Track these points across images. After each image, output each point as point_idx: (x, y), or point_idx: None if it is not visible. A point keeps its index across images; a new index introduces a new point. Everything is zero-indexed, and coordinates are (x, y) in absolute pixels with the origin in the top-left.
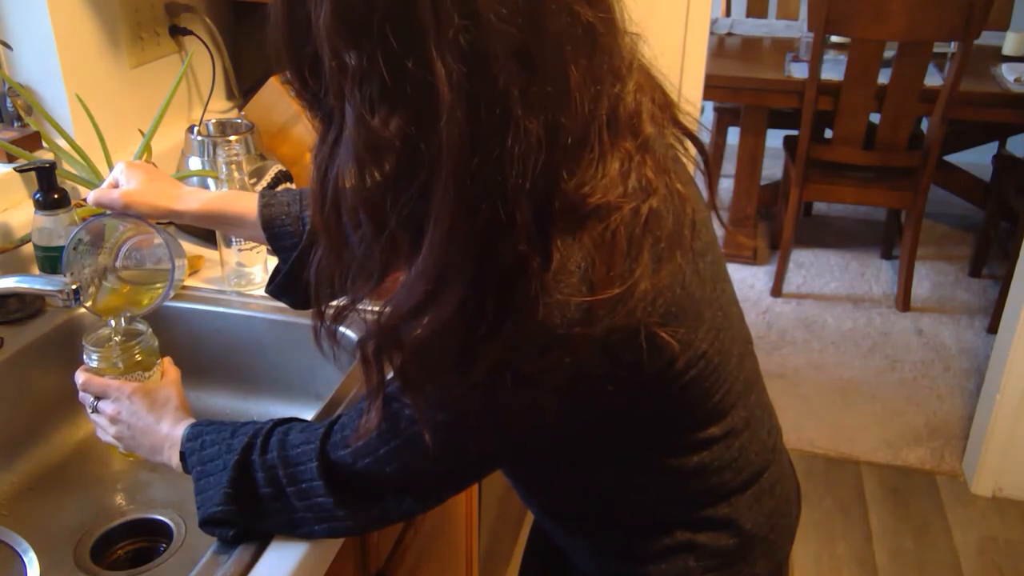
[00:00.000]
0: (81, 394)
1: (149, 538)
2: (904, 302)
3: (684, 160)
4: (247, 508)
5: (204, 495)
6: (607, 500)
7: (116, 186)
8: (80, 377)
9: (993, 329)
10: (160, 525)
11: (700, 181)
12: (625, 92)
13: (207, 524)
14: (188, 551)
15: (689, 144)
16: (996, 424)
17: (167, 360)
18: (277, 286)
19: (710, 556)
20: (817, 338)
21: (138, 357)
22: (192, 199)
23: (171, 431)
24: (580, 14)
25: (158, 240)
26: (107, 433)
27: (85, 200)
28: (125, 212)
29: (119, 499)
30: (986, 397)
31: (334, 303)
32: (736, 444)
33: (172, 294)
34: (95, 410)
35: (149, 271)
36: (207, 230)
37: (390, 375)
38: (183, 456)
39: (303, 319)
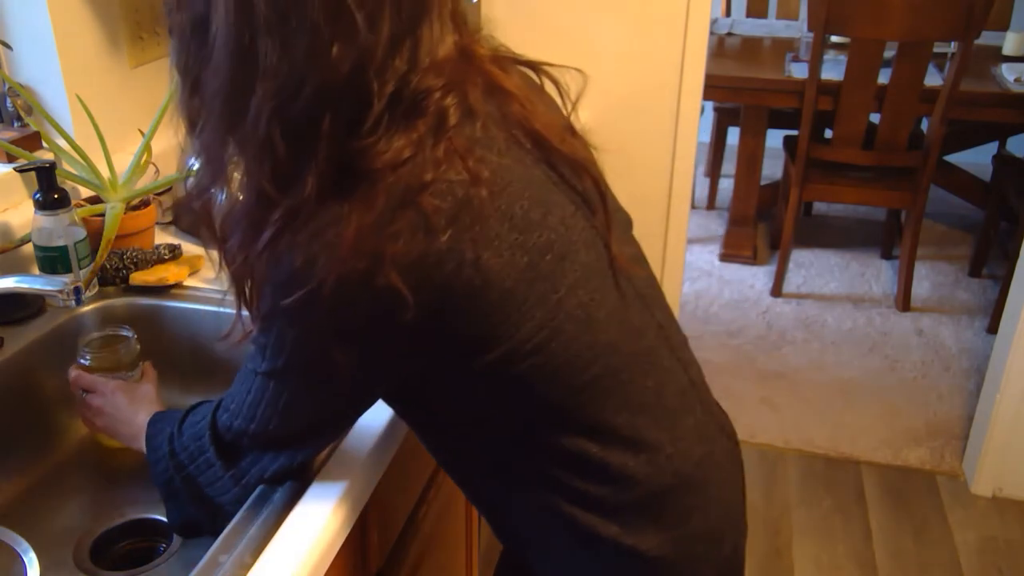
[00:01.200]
0: (79, 392)
1: (149, 538)
2: (904, 302)
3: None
4: (179, 500)
5: (167, 501)
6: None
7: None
8: (72, 372)
9: (993, 329)
10: (160, 525)
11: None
12: (426, 84)
13: (179, 533)
14: (188, 551)
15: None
16: (996, 424)
17: (147, 364)
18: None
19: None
20: (817, 338)
21: (124, 359)
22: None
23: (144, 422)
24: None
25: None
26: (92, 423)
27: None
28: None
29: (119, 499)
30: (986, 397)
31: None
32: (619, 460)
33: None
34: (84, 402)
35: None
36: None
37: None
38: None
39: None
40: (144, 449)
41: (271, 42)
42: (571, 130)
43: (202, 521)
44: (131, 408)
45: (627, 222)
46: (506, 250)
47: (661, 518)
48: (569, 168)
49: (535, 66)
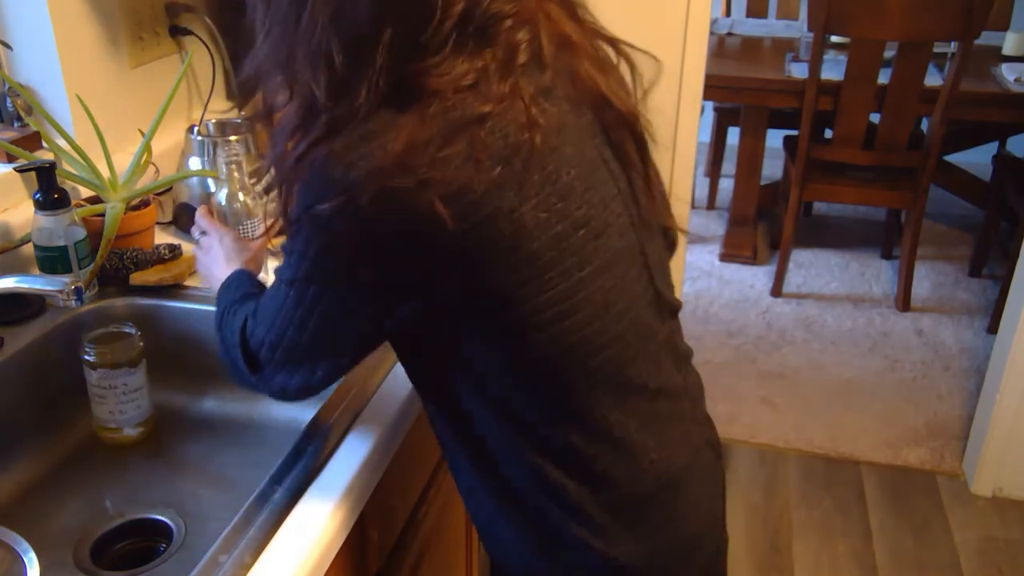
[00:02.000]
0: (194, 229)
1: (149, 538)
2: (904, 302)
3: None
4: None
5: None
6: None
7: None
8: (202, 209)
9: (993, 329)
10: (160, 525)
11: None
12: (501, 11)
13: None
14: (188, 551)
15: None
16: (996, 424)
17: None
18: None
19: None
20: (817, 338)
21: (126, 356)
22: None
23: (229, 272)
24: None
25: None
26: (199, 253)
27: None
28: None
29: (119, 499)
30: (986, 397)
31: None
32: (604, 458)
33: None
34: (198, 242)
35: None
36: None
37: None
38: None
39: None
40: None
41: None
42: (636, 116)
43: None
44: (229, 256)
45: (666, 236)
46: (543, 211)
47: (636, 525)
48: (626, 150)
49: (615, 42)
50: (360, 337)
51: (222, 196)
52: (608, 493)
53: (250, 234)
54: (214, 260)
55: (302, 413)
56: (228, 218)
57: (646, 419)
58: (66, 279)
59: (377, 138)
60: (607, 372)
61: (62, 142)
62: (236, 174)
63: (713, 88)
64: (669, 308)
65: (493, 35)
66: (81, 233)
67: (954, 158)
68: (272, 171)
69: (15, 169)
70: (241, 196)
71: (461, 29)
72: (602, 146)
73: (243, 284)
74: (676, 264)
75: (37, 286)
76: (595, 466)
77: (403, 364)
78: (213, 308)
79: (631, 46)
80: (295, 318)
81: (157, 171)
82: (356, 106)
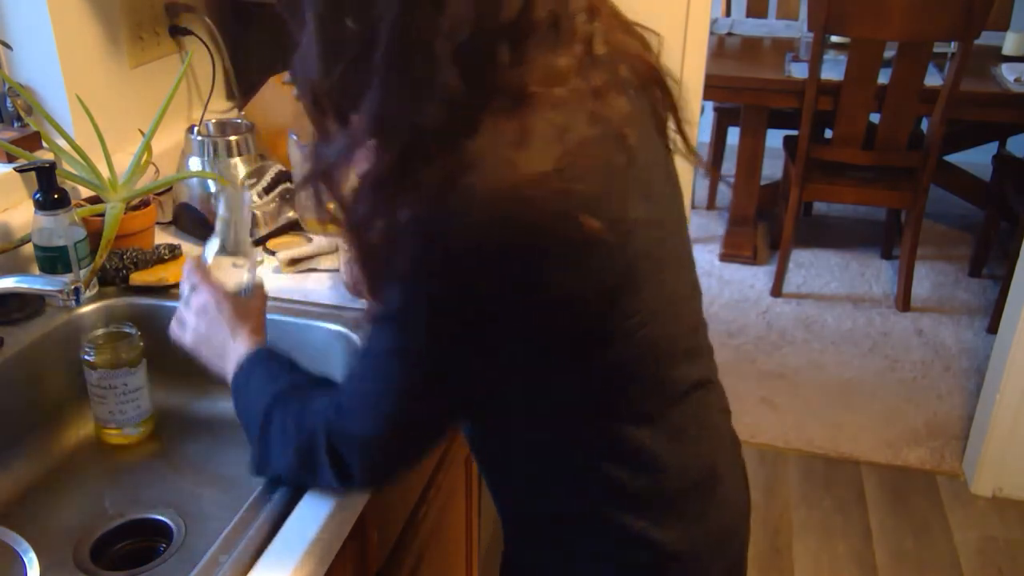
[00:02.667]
0: (182, 283)
1: (149, 538)
2: (904, 302)
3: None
4: (267, 460)
5: (248, 434)
6: (536, 460)
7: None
8: (191, 263)
9: (993, 329)
10: (160, 525)
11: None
12: (574, 2)
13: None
14: (188, 551)
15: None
16: (996, 424)
17: (259, 286)
18: None
19: (628, 570)
20: (817, 338)
21: (126, 356)
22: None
23: (240, 350)
24: None
25: None
26: (184, 324)
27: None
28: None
29: (119, 499)
30: (986, 397)
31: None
32: (673, 460)
33: None
34: (186, 302)
35: None
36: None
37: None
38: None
39: (303, 319)
40: (228, 377)
41: None
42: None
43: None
44: (231, 323)
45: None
46: (639, 213)
47: (685, 514)
48: (667, 128)
49: (627, 25)
50: (454, 409)
51: (209, 251)
52: (665, 483)
53: (244, 292)
54: (212, 328)
55: None
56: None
57: (698, 410)
58: (66, 279)
59: (494, 167)
60: (669, 371)
61: (62, 142)
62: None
63: (713, 88)
64: (700, 301)
65: (572, 30)
66: (81, 233)
67: (954, 158)
68: (352, 238)
69: (15, 169)
70: (241, 258)
71: (543, 28)
72: (655, 132)
73: (273, 370)
74: None
75: (37, 286)
76: (659, 460)
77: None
78: None
79: (640, 26)
80: (405, 394)
81: (157, 171)
82: (465, 148)
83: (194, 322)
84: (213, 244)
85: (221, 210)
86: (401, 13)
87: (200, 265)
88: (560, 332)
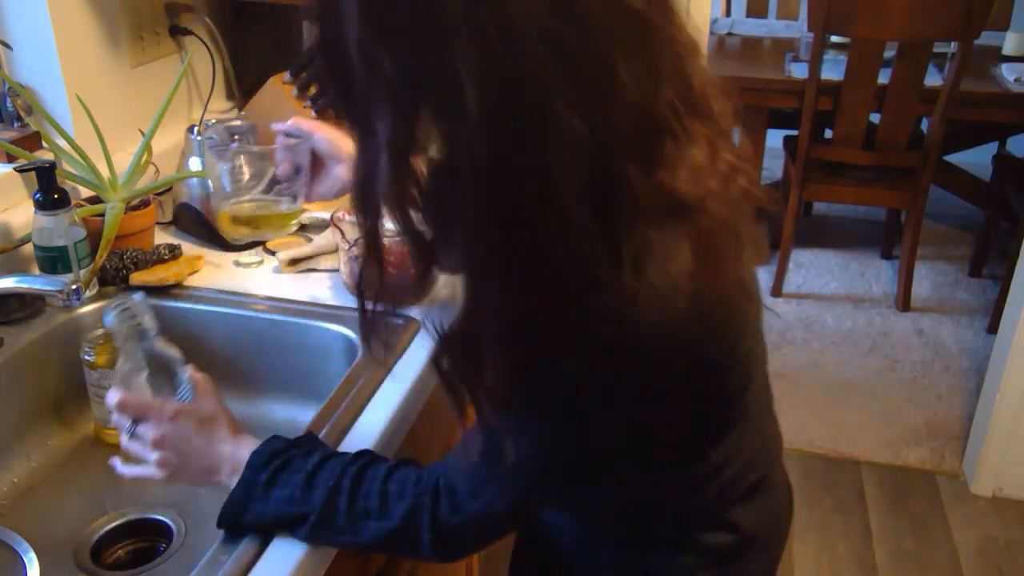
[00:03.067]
0: (115, 417)
1: (149, 538)
2: (904, 302)
3: None
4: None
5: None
6: (629, 503)
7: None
8: (114, 397)
9: (993, 329)
10: (160, 525)
11: None
12: (692, 73)
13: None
14: (188, 551)
15: None
16: (996, 424)
17: (198, 375)
18: None
19: (706, 554)
20: (817, 338)
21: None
22: None
23: (233, 452)
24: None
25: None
26: (147, 459)
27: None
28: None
29: (119, 499)
30: (986, 397)
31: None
32: (749, 450)
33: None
34: (132, 435)
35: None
36: (208, 229)
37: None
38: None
39: (303, 319)
40: (228, 484)
41: (565, 100)
42: None
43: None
44: (201, 436)
45: None
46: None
47: (754, 500)
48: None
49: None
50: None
51: (133, 367)
52: (749, 478)
53: (186, 395)
54: (186, 450)
55: (302, 413)
56: (149, 389)
57: (767, 408)
58: (66, 279)
59: (647, 302)
60: (765, 429)
61: (62, 142)
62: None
63: None
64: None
65: (695, 106)
66: (81, 233)
67: (954, 158)
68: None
69: (15, 169)
70: (161, 362)
71: (671, 119)
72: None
73: (292, 471)
74: None
75: (37, 286)
76: (743, 524)
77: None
78: (213, 308)
79: None
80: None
81: (157, 171)
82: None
83: (159, 456)
84: (121, 368)
85: (112, 324)
86: (493, 134)
87: (126, 400)
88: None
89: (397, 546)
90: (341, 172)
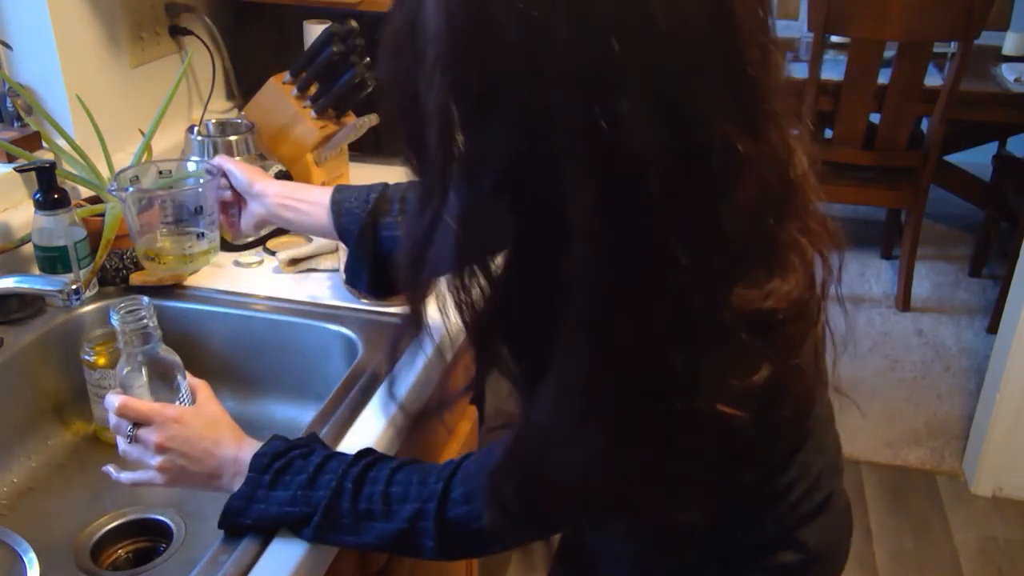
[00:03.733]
0: (114, 421)
1: (149, 538)
2: (904, 302)
3: None
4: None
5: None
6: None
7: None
8: (115, 401)
9: (993, 329)
10: (160, 525)
11: None
12: (790, 174)
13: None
14: (188, 551)
15: None
16: (996, 424)
17: (197, 381)
18: (349, 271)
19: (774, 573)
20: None
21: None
22: (272, 184)
23: (237, 455)
24: (729, 135)
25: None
26: (148, 464)
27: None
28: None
29: (119, 499)
30: (986, 397)
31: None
32: (814, 470)
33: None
34: (133, 439)
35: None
36: None
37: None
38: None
39: (303, 319)
40: (230, 488)
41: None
42: None
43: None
44: (206, 439)
45: None
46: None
47: (819, 518)
48: None
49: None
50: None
51: (136, 371)
52: (816, 497)
53: (185, 400)
54: (188, 453)
55: (302, 413)
56: (148, 394)
57: (829, 424)
58: (66, 279)
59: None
60: (828, 455)
61: (62, 142)
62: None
63: None
64: None
65: (793, 210)
66: (81, 233)
67: (954, 158)
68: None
69: (15, 169)
70: (163, 366)
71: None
72: None
73: (295, 472)
74: None
75: (37, 286)
76: (810, 478)
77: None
78: (213, 308)
79: None
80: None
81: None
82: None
83: (162, 460)
84: (121, 371)
85: (117, 324)
86: (596, 270)
87: (127, 403)
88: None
89: (401, 547)
90: (256, 208)
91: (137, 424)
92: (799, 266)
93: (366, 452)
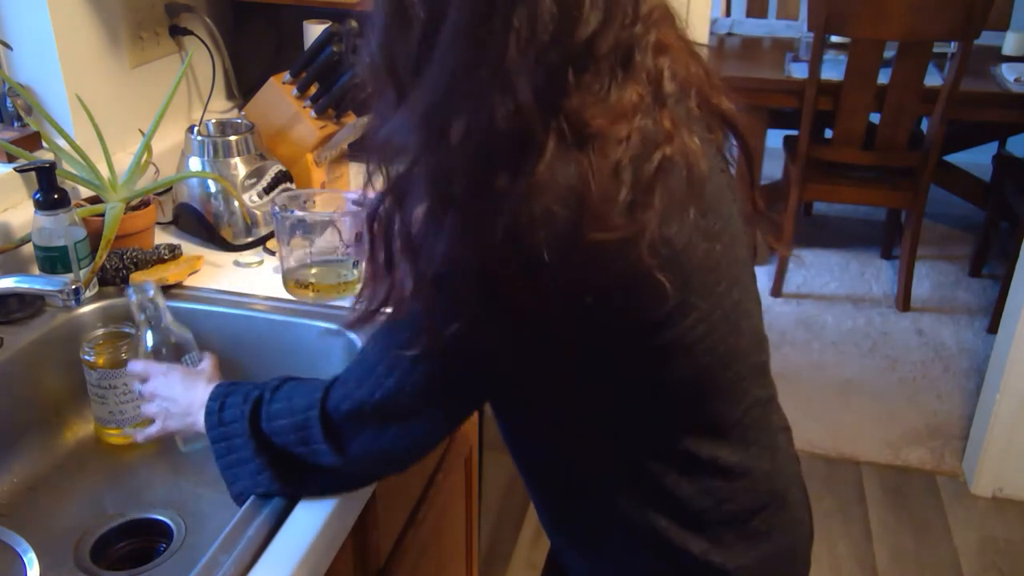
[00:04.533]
0: (135, 384)
1: (149, 538)
2: (904, 302)
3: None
4: (276, 475)
5: (232, 470)
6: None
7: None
8: (129, 364)
9: (993, 329)
10: (160, 525)
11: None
12: (642, 38)
13: (240, 499)
14: (188, 551)
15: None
16: (996, 424)
17: (210, 354)
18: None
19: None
20: (817, 338)
21: (123, 355)
22: None
23: (203, 394)
24: None
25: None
26: (150, 414)
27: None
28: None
29: (119, 499)
30: (986, 397)
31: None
32: (733, 466)
33: None
34: (140, 395)
35: None
36: (207, 229)
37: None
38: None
39: (302, 319)
40: (200, 422)
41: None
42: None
43: (272, 492)
44: (184, 383)
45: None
46: (692, 232)
47: (750, 535)
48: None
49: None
50: (478, 394)
51: (149, 340)
52: (729, 504)
53: (194, 365)
54: (171, 396)
55: None
56: (165, 358)
57: (761, 429)
58: (66, 279)
59: (565, 191)
60: (735, 386)
61: (62, 142)
62: (158, 319)
63: None
64: (761, 313)
65: (637, 65)
66: (81, 233)
67: (954, 158)
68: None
69: (15, 169)
70: (172, 338)
71: (609, 59)
72: (718, 153)
73: (238, 388)
74: None
75: (37, 286)
76: (720, 478)
77: (503, 406)
78: (213, 308)
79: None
80: (414, 379)
81: (157, 171)
82: (540, 159)
83: (153, 407)
84: (140, 343)
85: (132, 299)
86: (470, 19)
87: (132, 366)
88: (623, 343)
89: (305, 440)
90: None
91: (143, 383)
92: (628, 107)
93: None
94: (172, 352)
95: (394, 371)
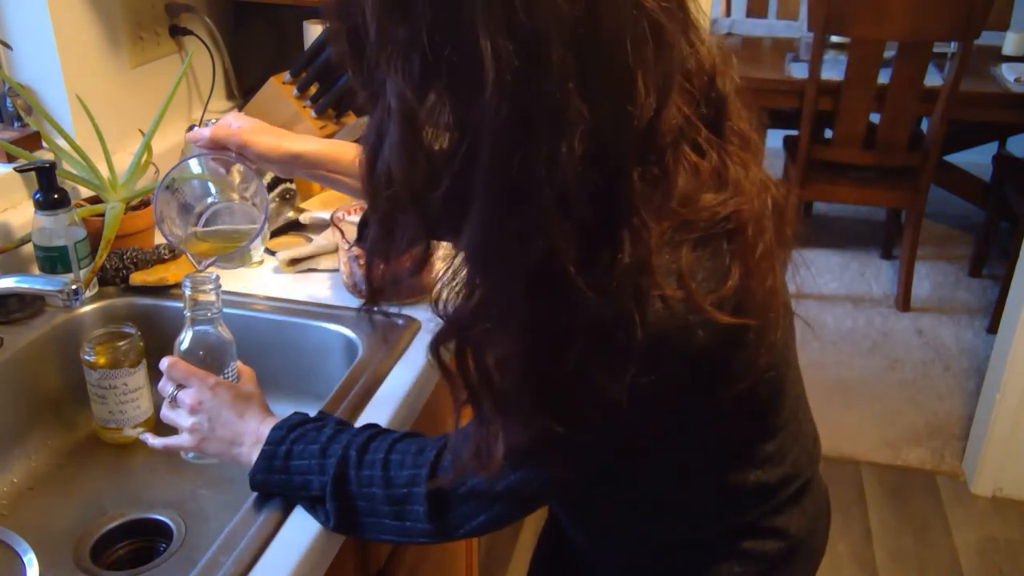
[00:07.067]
0: (161, 383)
1: (149, 538)
2: (904, 302)
3: None
4: (343, 519)
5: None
6: (659, 515)
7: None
8: (166, 361)
9: (993, 329)
10: (160, 525)
11: None
12: (717, 89)
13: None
14: (188, 551)
15: None
16: (996, 424)
17: (242, 365)
18: None
19: (754, 562)
20: (817, 338)
21: (123, 355)
22: (310, 141)
23: (259, 427)
24: (646, 7)
25: (238, 197)
26: (182, 426)
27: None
28: (241, 152)
29: (119, 499)
30: (986, 397)
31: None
32: (789, 459)
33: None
34: (173, 400)
35: (229, 233)
36: None
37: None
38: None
39: (303, 319)
40: (246, 456)
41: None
42: None
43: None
44: (235, 409)
45: None
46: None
47: (800, 502)
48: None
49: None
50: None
51: (187, 340)
52: (793, 485)
53: (231, 379)
54: (216, 419)
55: None
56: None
57: (803, 417)
58: (66, 279)
59: (661, 282)
60: (792, 427)
61: (62, 142)
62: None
63: None
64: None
65: (709, 121)
66: (81, 233)
67: (954, 158)
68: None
69: (15, 169)
70: (214, 341)
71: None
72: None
73: (307, 442)
74: None
75: (37, 286)
76: (785, 466)
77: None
78: None
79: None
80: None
81: (157, 171)
82: (620, 262)
83: (193, 421)
84: (182, 340)
85: (188, 291)
86: (507, 126)
87: (176, 363)
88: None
89: (401, 515)
90: (275, 171)
91: (179, 386)
92: (736, 175)
93: (372, 425)
94: (211, 357)
95: (520, 469)
